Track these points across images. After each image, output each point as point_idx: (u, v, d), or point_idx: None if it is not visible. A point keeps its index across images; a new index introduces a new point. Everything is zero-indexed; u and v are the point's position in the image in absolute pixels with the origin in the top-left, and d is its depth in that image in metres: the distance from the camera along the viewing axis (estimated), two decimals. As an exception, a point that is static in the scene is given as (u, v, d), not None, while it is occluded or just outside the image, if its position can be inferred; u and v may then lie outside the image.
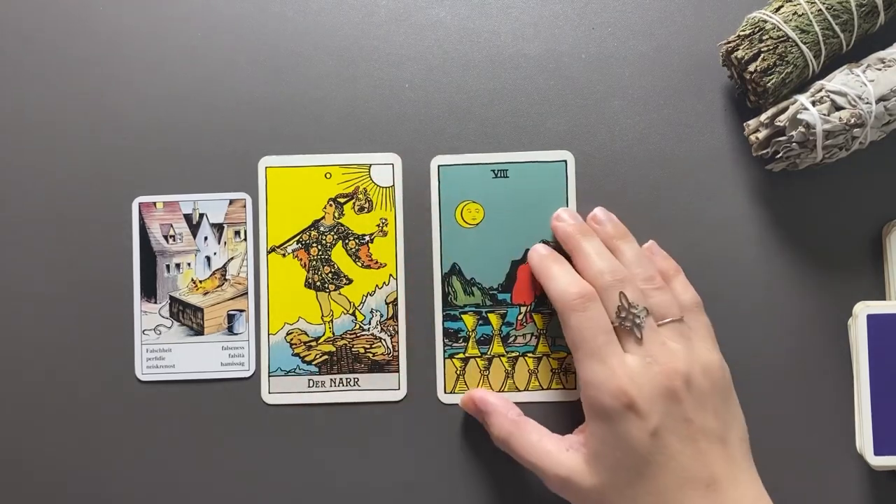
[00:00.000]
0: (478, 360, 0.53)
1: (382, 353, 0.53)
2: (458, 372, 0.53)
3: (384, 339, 0.53)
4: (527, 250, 0.53)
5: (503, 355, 0.53)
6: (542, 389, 0.53)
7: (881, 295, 0.52)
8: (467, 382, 0.53)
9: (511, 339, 0.53)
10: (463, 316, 0.53)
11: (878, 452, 0.49)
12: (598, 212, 0.52)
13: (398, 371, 0.53)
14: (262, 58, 0.54)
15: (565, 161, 0.53)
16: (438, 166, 0.54)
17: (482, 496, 0.52)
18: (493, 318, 0.53)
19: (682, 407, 0.45)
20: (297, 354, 0.53)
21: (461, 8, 0.54)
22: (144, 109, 0.54)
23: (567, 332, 0.48)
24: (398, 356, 0.53)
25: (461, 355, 0.53)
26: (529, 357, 0.53)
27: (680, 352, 0.47)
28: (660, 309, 0.48)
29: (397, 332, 0.53)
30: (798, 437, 0.52)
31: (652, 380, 0.45)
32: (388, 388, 0.53)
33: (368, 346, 0.53)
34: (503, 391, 0.53)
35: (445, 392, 0.53)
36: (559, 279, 0.49)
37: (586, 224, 0.52)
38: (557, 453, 0.47)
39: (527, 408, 0.52)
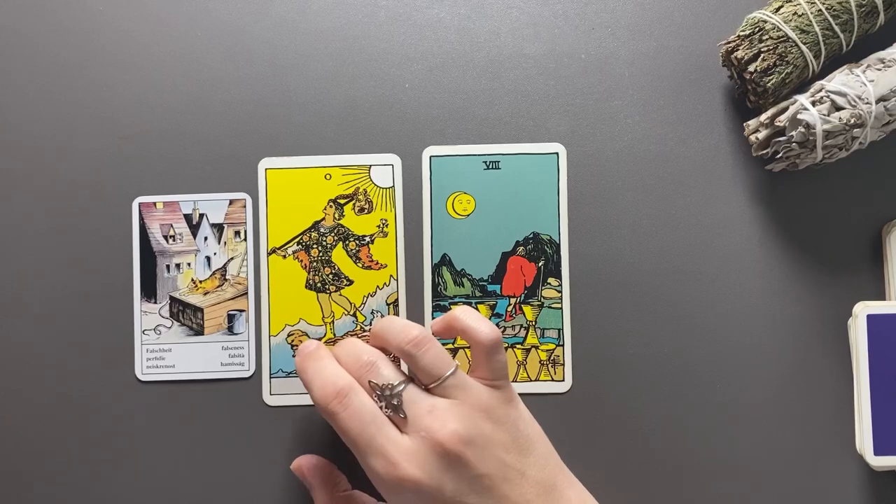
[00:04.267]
0: (466, 350, 0.53)
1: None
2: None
3: (385, 340, 0.53)
4: (517, 242, 0.53)
5: None
6: (531, 381, 0.53)
7: (881, 295, 0.52)
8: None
9: (500, 331, 0.53)
10: (452, 306, 0.53)
11: (878, 452, 0.49)
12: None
13: (399, 372, 0.53)
14: (262, 58, 0.54)
15: (557, 154, 0.53)
16: (430, 157, 0.54)
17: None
18: (482, 309, 0.53)
19: (471, 465, 0.44)
20: (298, 356, 0.53)
21: (461, 8, 0.54)
22: (145, 110, 0.54)
23: (339, 435, 0.46)
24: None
25: (450, 346, 0.53)
26: (518, 349, 0.53)
27: (451, 411, 0.45)
28: (430, 368, 0.46)
29: (398, 333, 0.53)
30: (798, 437, 0.52)
31: (430, 453, 0.44)
32: (388, 388, 0.53)
33: (369, 347, 0.53)
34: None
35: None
36: (315, 381, 0.46)
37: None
38: None
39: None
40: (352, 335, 0.53)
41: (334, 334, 0.53)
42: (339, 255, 0.53)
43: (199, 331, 0.53)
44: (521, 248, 0.53)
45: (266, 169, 0.54)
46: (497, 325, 0.53)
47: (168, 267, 0.54)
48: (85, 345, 0.53)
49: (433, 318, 0.53)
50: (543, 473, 0.46)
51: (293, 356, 0.53)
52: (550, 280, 0.53)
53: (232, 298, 0.53)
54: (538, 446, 0.47)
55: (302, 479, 0.50)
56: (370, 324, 0.53)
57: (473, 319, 0.47)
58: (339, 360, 0.47)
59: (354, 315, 0.53)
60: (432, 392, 0.46)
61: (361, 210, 0.54)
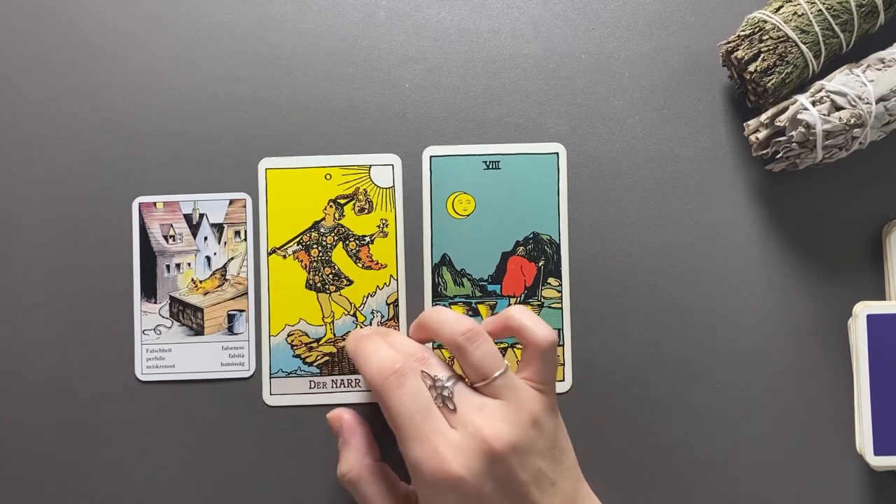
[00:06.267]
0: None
1: (383, 354, 0.53)
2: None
3: (385, 340, 0.53)
4: (517, 242, 0.53)
5: None
6: None
7: (881, 295, 0.52)
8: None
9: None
10: (453, 306, 0.53)
11: (878, 452, 0.49)
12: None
13: (399, 372, 0.53)
14: (262, 58, 0.54)
15: (557, 154, 0.53)
16: (430, 157, 0.54)
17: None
18: (482, 309, 0.53)
19: (513, 471, 0.43)
20: (298, 356, 0.53)
21: (461, 8, 0.54)
22: (145, 110, 0.54)
23: (385, 413, 0.45)
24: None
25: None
26: (518, 349, 0.53)
27: (501, 411, 0.44)
28: (482, 365, 0.45)
29: (398, 333, 0.53)
30: (798, 437, 0.52)
31: (476, 452, 0.43)
32: (388, 388, 0.53)
33: (369, 347, 0.53)
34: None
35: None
36: (372, 358, 0.46)
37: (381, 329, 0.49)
38: None
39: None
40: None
41: (334, 334, 0.53)
42: (339, 255, 0.53)
43: (199, 331, 0.53)
44: (521, 248, 0.53)
45: (266, 169, 0.54)
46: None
47: (168, 267, 0.54)
48: (85, 345, 0.53)
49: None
50: (569, 484, 0.46)
51: (293, 356, 0.53)
52: (550, 280, 0.53)
53: (232, 298, 0.53)
54: (568, 456, 0.46)
55: (336, 432, 0.49)
56: (370, 324, 0.53)
57: (530, 319, 0.46)
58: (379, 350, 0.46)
59: (354, 315, 0.53)
60: (480, 391, 0.45)
61: (361, 210, 0.54)
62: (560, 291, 0.53)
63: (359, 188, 0.54)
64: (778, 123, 0.50)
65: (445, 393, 0.44)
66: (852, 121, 0.48)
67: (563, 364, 0.53)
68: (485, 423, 0.44)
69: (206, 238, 0.54)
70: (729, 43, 0.51)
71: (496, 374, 0.45)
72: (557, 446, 0.46)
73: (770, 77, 0.49)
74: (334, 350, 0.53)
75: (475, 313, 0.53)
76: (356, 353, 0.47)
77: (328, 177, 0.54)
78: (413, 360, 0.46)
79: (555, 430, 0.46)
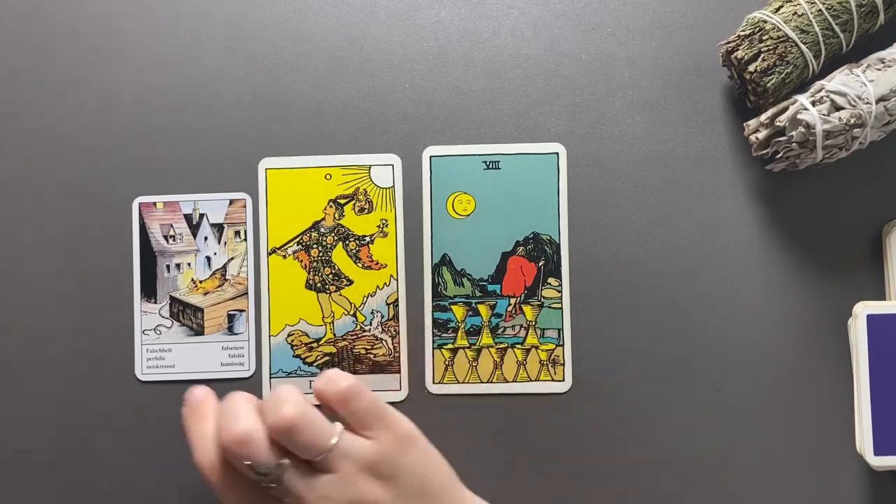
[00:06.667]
0: (466, 350, 0.53)
1: (384, 354, 0.53)
2: (446, 363, 0.53)
3: (385, 340, 0.53)
4: (517, 242, 0.53)
5: (492, 346, 0.53)
6: (531, 381, 0.53)
7: (881, 295, 0.52)
8: (456, 374, 0.53)
9: (500, 331, 0.53)
10: (452, 306, 0.53)
11: (878, 452, 0.49)
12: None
13: (399, 372, 0.53)
14: (262, 58, 0.54)
15: (557, 154, 0.53)
16: (430, 157, 0.54)
17: (476, 490, 0.52)
18: (482, 308, 0.53)
19: None
20: (298, 356, 0.53)
21: (461, 8, 0.54)
22: (145, 110, 0.54)
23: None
24: (399, 357, 0.53)
25: (450, 346, 0.53)
26: (518, 349, 0.53)
27: (331, 486, 0.43)
28: (307, 449, 0.43)
29: (398, 333, 0.53)
30: (798, 437, 0.52)
31: None
32: (389, 388, 0.53)
33: (370, 347, 0.53)
34: (492, 382, 0.53)
35: (434, 383, 0.53)
36: (196, 447, 0.45)
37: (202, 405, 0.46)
38: None
39: (515, 399, 0.53)
40: (352, 335, 0.53)
41: (334, 334, 0.53)
42: (339, 255, 0.53)
43: (199, 331, 0.53)
44: (521, 248, 0.53)
45: (266, 169, 0.54)
46: (497, 325, 0.53)
47: (168, 267, 0.54)
48: (85, 345, 0.53)
49: (433, 317, 0.53)
50: (450, 495, 0.45)
51: (293, 356, 0.53)
52: (550, 280, 0.53)
53: (232, 298, 0.53)
54: (434, 484, 0.45)
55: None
56: (370, 324, 0.53)
57: (322, 382, 0.45)
58: (218, 421, 0.45)
59: (354, 315, 0.53)
60: (318, 466, 0.44)
61: (361, 210, 0.54)
62: (560, 291, 0.53)
63: (359, 188, 0.54)
64: (778, 123, 0.50)
65: (269, 479, 0.43)
66: (852, 121, 0.48)
67: (564, 364, 0.53)
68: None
69: (206, 238, 0.54)
70: (729, 43, 0.51)
71: (326, 449, 0.43)
72: (415, 483, 0.44)
73: (770, 77, 0.49)
74: (334, 350, 0.53)
75: (475, 313, 0.53)
76: (186, 431, 0.46)
77: (328, 177, 0.54)
78: (237, 445, 0.43)
79: (407, 470, 0.44)
